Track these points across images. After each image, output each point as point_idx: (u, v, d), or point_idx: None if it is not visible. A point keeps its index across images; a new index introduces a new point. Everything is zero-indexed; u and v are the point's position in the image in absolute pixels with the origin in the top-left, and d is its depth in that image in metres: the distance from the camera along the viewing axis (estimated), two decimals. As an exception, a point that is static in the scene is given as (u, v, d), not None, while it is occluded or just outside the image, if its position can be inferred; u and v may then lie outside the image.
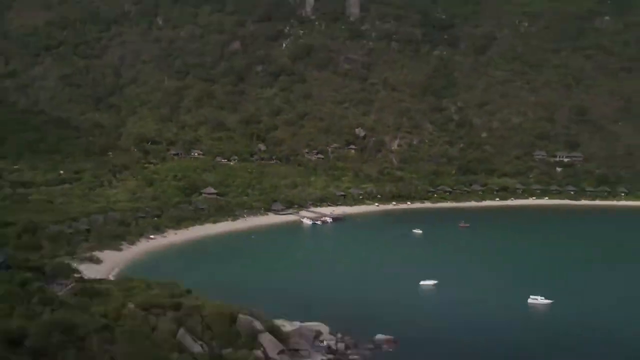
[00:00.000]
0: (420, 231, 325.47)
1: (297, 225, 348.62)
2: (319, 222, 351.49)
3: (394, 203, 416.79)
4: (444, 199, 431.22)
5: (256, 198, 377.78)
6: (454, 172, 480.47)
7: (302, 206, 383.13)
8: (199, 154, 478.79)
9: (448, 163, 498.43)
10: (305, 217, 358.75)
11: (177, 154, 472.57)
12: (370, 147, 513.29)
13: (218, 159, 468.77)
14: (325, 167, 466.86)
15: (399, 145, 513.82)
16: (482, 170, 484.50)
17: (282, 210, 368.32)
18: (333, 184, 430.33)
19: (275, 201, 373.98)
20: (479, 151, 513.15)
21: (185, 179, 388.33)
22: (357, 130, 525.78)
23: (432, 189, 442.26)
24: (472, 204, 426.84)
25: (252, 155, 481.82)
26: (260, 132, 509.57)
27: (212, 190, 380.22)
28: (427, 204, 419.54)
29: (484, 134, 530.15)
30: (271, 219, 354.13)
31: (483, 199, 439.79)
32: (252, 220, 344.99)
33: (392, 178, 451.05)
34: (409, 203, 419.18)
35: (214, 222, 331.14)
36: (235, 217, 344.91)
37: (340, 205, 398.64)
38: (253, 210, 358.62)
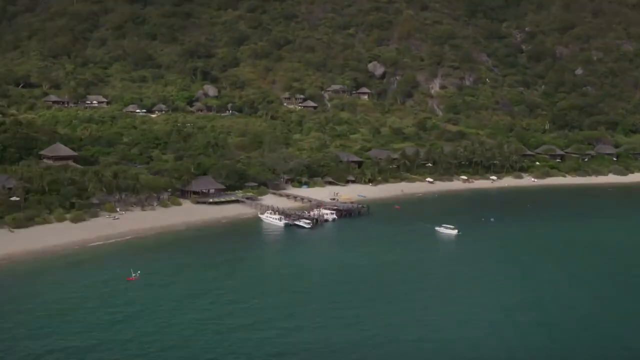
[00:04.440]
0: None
1: (253, 229, 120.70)
2: (304, 223, 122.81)
3: (463, 177, 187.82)
4: (556, 170, 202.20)
5: (158, 167, 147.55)
6: (546, 126, 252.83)
7: (267, 185, 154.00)
8: (99, 103, 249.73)
9: (529, 113, 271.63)
10: (270, 212, 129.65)
11: (61, 102, 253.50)
12: (395, 90, 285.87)
13: (131, 108, 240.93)
14: (320, 120, 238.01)
15: (442, 87, 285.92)
16: (591, 124, 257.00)
17: (219, 193, 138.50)
18: (335, 143, 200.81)
19: (204, 174, 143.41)
20: (576, 95, 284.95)
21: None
22: (371, 65, 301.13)
23: (530, 152, 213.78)
24: (611, 178, 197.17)
25: (191, 104, 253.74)
26: (209, 68, 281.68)
27: (66, 151, 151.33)
28: (528, 180, 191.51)
29: (578, 70, 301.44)
30: (190, 213, 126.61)
31: (628, 169, 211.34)
32: (132, 221, 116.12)
33: (441, 134, 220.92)
34: (494, 178, 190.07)
35: (17, 224, 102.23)
36: (87, 212, 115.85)
37: (354, 183, 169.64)
38: (141, 197, 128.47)
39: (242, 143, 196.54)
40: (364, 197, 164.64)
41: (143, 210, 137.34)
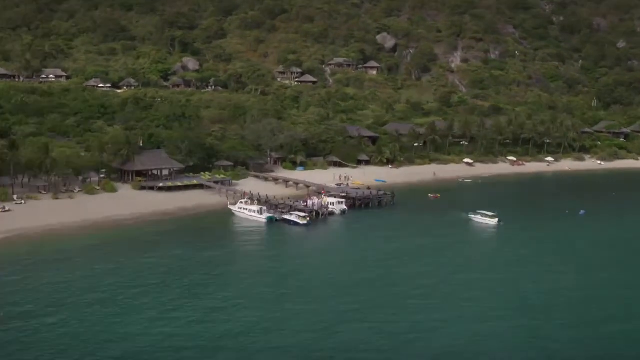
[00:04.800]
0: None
1: (218, 228, 71.66)
2: (298, 217, 73.56)
3: (512, 159, 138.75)
4: (624, 151, 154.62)
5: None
6: (593, 103, 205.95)
7: (248, 166, 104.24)
8: (57, 77, 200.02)
9: (568, 90, 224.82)
10: (246, 201, 79.97)
11: (11, 77, 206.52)
12: (409, 64, 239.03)
13: (93, 82, 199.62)
14: (321, 95, 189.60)
15: (463, 61, 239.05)
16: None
17: (175, 175, 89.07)
18: (341, 117, 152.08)
19: (158, 148, 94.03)
20: (620, 70, 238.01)
21: None
22: (380, 37, 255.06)
23: (588, 130, 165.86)
24: None
25: (167, 78, 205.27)
26: (191, 40, 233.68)
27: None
28: (592, 163, 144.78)
29: (620, 42, 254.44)
30: (124, 204, 77.16)
31: None
32: (31, 214, 70.09)
33: (470, 110, 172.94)
34: (550, 160, 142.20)
35: None
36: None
37: (368, 164, 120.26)
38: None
39: (221, 116, 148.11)
40: (384, 182, 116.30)
41: (55, 198, 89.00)
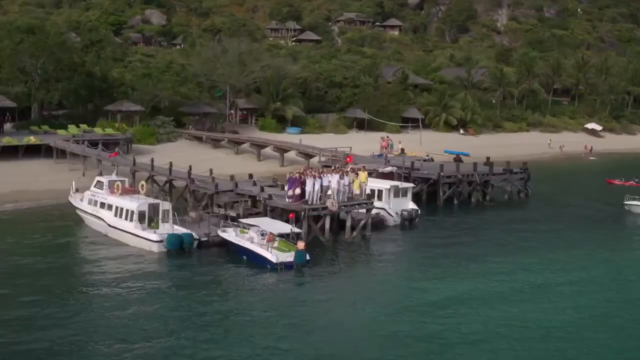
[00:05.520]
0: None
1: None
2: (265, 248, 17.91)
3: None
4: None
5: None
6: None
7: (187, 120, 42.77)
8: None
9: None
10: (112, 185, 19.88)
11: None
12: (441, 20, 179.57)
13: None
14: (328, 53, 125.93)
15: (511, 19, 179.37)
16: None
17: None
18: (363, 62, 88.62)
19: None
20: None
21: None
22: None
23: None
24: None
25: (120, 33, 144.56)
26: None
27: None
28: None
29: None
30: None
31: None
32: None
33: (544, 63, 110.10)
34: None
35: None
36: None
37: (426, 127, 57.88)
38: None
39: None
40: (468, 155, 55.67)
41: None
